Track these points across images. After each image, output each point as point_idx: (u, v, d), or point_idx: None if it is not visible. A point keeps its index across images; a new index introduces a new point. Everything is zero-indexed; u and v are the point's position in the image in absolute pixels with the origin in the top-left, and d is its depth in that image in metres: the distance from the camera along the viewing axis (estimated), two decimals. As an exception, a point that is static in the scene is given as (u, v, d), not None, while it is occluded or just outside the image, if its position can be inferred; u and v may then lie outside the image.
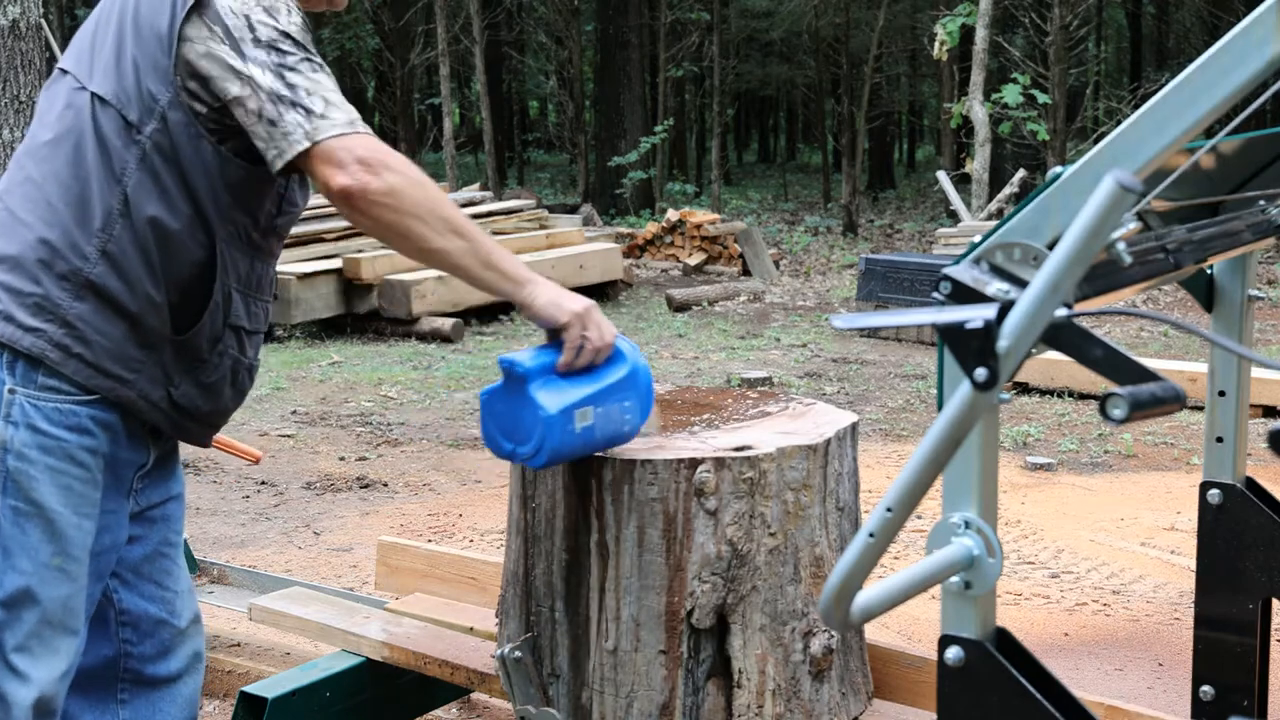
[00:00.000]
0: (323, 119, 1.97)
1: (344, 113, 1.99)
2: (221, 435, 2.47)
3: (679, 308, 11.29)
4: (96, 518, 2.08)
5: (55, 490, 2.03)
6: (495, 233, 12.52)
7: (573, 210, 16.55)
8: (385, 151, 1.98)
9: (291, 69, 1.98)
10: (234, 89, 1.99)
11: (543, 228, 12.95)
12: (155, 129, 2.03)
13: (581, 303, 2.16)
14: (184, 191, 2.04)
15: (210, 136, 2.04)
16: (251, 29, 1.99)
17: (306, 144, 1.96)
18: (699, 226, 13.72)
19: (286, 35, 2.00)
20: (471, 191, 14.80)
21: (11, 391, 2.03)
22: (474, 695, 3.24)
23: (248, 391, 2.27)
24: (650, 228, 14.34)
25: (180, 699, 2.30)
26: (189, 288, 2.07)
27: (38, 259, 2.03)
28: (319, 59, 2.04)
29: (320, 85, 2.00)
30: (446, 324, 9.79)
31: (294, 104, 1.97)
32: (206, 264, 2.08)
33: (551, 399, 2.13)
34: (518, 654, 2.44)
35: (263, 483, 5.85)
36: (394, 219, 1.97)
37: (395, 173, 1.97)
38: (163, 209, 2.03)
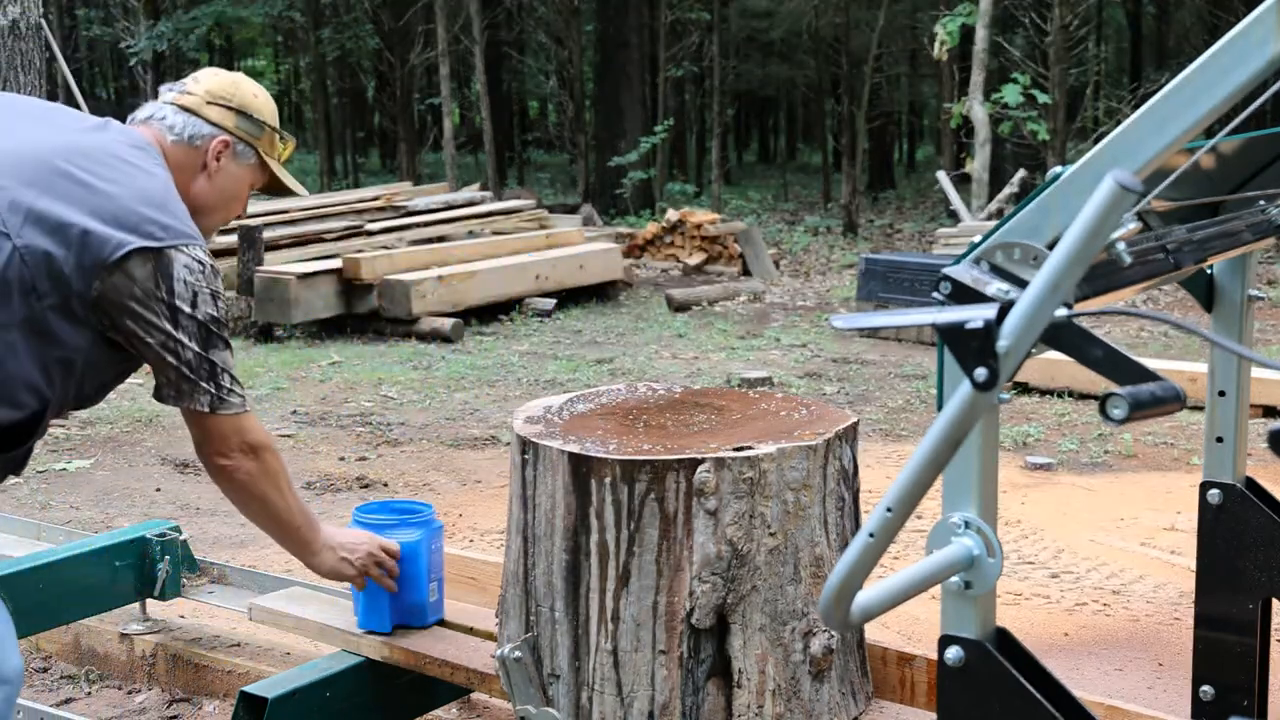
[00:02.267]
0: (226, 398, 2.40)
1: (240, 395, 2.44)
2: None
3: (679, 308, 11.29)
4: None
5: None
6: (495, 232, 12.53)
7: (573, 210, 16.55)
8: (262, 437, 2.50)
9: (214, 347, 2.37)
10: (154, 342, 2.31)
11: (543, 228, 12.95)
12: (50, 303, 2.24)
13: (358, 556, 2.79)
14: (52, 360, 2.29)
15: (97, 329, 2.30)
16: (193, 303, 2.31)
17: (208, 411, 2.40)
18: (699, 226, 13.72)
19: (216, 320, 2.36)
20: (471, 191, 14.80)
21: None
22: (474, 695, 3.24)
23: None
24: (650, 228, 14.34)
25: None
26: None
27: None
28: (228, 337, 2.43)
29: (229, 364, 2.41)
30: (446, 324, 9.79)
31: (210, 376, 2.37)
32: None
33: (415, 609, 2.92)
34: (518, 654, 2.44)
35: (263, 483, 5.85)
36: (256, 491, 2.54)
37: (265, 458, 2.50)
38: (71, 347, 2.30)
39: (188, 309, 2.31)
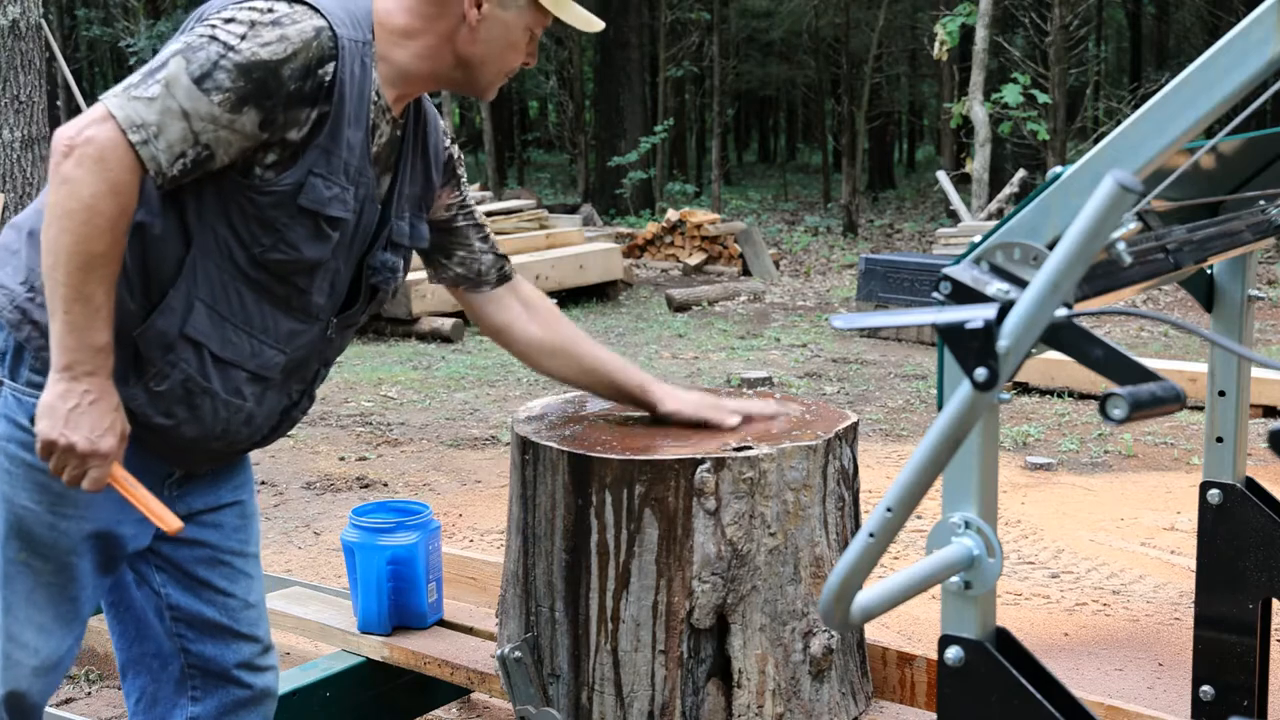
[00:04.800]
0: (126, 89, 1.85)
1: (141, 99, 1.84)
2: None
3: (679, 308, 11.29)
4: (88, 517, 2.02)
5: (28, 487, 1.98)
6: (495, 232, 12.52)
7: (573, 210, 16.55)
8: (102, 138, 1.81)
9: (191, 53, 1.86)
10: None
11: (543, 228, 12.94)
12: None
13: (76, 440, 1.88)
14: (167, 192, 1.94)
15: None
16: (219, 18, 1.90)
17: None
18: (699, 226, 13.73)
19: (223, 43, 1.87)
20: (471, 192, 14.80)
21: None
22: (474, 695, 3.24)
23: (220, 428, 2.07)
24: (650, 228, 14.34)
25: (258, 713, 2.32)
26: (159, 292, 1.97)
27: (27, 252, 1.99)
28: (222, 87, 1.86)
29: (177, 79, 1.85)
30: (446, 324, 9.79)
31: (148, 70, 1.88)
32: (179, 270, 1.97)
33: (414, 610, 2.95)
34: (518, 654, 2.43)
35: (263, 483, 5.85)
36: (51, 189, 1.84)
37: (85, 158, 1.81)
38: (143, 209, 1.93)
39: (210, 19, 1.91)
